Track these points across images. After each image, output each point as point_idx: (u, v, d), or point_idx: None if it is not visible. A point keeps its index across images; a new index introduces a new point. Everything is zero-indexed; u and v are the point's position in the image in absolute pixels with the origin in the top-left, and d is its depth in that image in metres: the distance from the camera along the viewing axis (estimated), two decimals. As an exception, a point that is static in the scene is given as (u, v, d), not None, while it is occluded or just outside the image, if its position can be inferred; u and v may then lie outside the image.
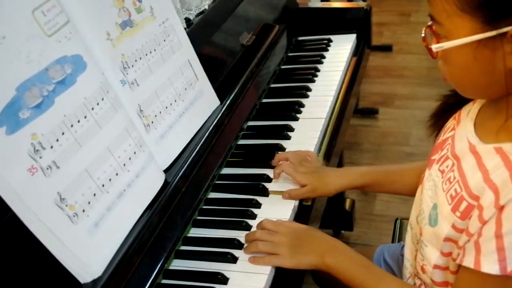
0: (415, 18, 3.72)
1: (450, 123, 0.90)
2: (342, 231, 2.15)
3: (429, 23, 0.77)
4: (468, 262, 0.73)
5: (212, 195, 1.13)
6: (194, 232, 1.04)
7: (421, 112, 2.88)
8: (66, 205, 0.77)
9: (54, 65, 0.78)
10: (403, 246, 1.24)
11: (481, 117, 0.82)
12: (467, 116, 0.85)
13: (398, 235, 1.39)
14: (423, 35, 0.78)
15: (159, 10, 1.01)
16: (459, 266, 0.77)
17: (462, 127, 0.84)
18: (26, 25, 0.75)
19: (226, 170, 1.19)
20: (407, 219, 1.44)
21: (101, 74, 0.86)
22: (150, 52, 0.98)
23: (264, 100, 1.43)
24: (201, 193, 1.08)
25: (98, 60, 0.86)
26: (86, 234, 0.79)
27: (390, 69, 3.25)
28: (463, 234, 0.76)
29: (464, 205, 0.76)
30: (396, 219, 1.44)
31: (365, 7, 1.70)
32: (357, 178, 1.12)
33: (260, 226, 0.99)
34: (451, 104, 0.93)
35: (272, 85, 1.49)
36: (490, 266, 0.70)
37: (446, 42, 0.72)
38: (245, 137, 1.29)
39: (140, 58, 0.96)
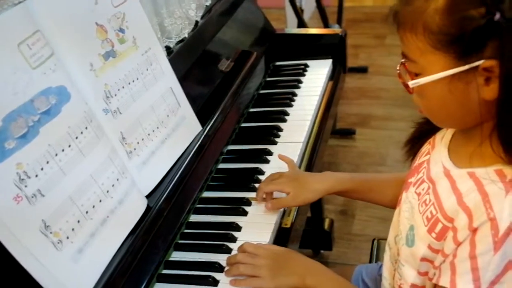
0: (390, 40, 3.81)
1: (425, 147, 0.95)
2: (322, 251, 2.18)
3: (402, 60, 0.81)
4: (444, 281, 0.77)
5: (193, 218, 1.15)
6: (176, 255, 1.06)
7: (397, 133, 2.94)
8: (51, 232, 0.79)
9: (39, 96, 0.80)
10: (381, 266, 1.27)
11: (454, 143, 0.86)
12: (441, 142, 0.89)
13: (375, 255, 1.42)
14: (398, 71, 0.82)
15: (142, 40, 1.05)
16: (435, 285, 0.80)
17: (437, 152, 0.88)
18: (12, 58, 0.77)
19: (207, 194, 1.22)
20: (384, 239, 1.48)
21: (85, 104, 0.89)
22: (133, 81, 1.01)
23: (243, 125, 1.46)
24: (182, 217, 1.11)
25: (82, 90, 0.89)
26: (70, 261, 0.81)
27: (366, 91, 3.31)
28: (439, 254, 0.80)
29: (439, 226, 0.80)
30: (373, 240, 1.47)
31: (340, 33, 1.75)
32: (337, 184, 1.14)
33: (241, 249, 1.01)
34: (425, 131, 0.97)
35: (251, 110, 1.52)
36: (465, 285, 0.74)
37: (421, 78, 0.77)
38: (225, 161, 1.32)
39: (123, 87, 0.99)
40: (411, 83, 0.78)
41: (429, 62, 0.75)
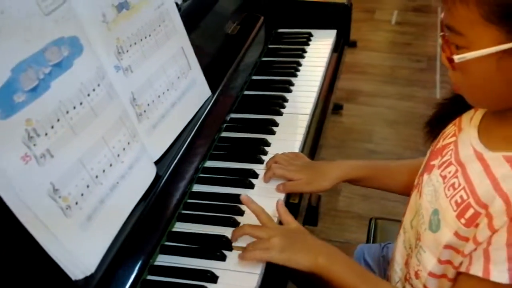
0: (379, 15, 3.76)
1: (451, 129, 0.90)
2: (306, 226, 2.15)
3: (442, 33, 0.75)
4: (476, 270, 0.73)
5: (197, 188, 1.09)
6: (179, 226, 1.00)
7: (384, 110, 2.91)
8: (59, 197, 0.72)
9: (51, 47, 0.72)
10: (384, 247, 1.25)
11: (485, 125, 0.82)
12: (470, 123, 0.84)
13: (373, 235, 1.39)
14: (440, 44, 0.76)
15: (155, -7, 0.97)
16: (462, 274, 0.77)
17: (465, 134, 0.84)
18: (23, 0, 0.69)
19: (210, 163, 1.16)
20: (382, 218, 1.46)
21: (97, 59, 0.81)
22: (145, 37, 0.93)
23: (246, 92, 1.39)
24: (186, 186, 1.04)
25: (94, 43, 0.81)
26: (79, 228, 0.74)
27: (353, 66, 3.26)
28: (469, 242, 0.75)
29: (470, 212, 0.75)
30: (371, 219, 1.44)
31: (346, 3, 1.68)
32: (353, 171, 1.11)
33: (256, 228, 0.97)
34: (448, 112, 0.93)
35: (254, 77, 1.46)
36: (500, 274, 0.70)
37: (470, 53, 0.70)
38: (228, 129, 1.26)
39: (135, 43, 0.91)
40: (458, 58, 0.72)
41: (478, 35, 0.69)
